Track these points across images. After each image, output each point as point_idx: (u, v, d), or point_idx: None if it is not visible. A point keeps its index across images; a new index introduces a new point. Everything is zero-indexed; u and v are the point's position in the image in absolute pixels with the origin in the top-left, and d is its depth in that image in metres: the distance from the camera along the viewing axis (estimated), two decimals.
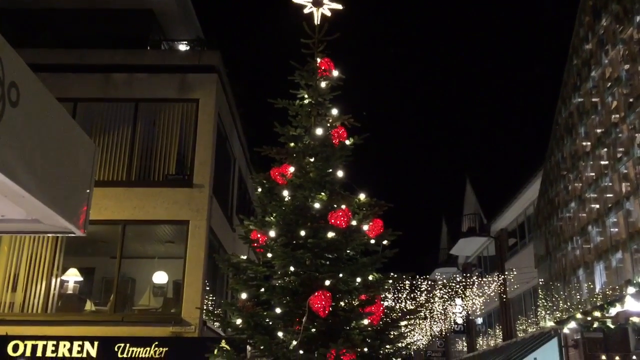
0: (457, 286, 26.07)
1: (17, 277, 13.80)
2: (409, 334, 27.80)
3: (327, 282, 7.10)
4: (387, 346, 7.76)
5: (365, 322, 7.24)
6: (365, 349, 7.26)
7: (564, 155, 17.92)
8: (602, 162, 15.03)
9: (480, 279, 25.65)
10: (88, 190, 3.09)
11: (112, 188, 14.10)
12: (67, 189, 2.90)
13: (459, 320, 32.25)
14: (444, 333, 32.76)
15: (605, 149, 14.93)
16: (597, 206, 15.25)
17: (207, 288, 14.50)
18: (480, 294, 25.86)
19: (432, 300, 26.69)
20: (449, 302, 27.50)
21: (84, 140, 3.19)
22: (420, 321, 29.51)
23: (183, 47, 17.30)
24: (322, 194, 7.77)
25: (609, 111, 14.86)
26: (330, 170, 8.07)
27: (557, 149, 18.54)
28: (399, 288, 24.72)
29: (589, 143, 16.02)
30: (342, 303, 7.62)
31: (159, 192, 14.45)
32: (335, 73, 8.42)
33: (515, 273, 23.72)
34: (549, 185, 19.19)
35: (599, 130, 15.40)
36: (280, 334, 6.99)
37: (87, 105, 14.86)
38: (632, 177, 13.44)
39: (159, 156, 14.97)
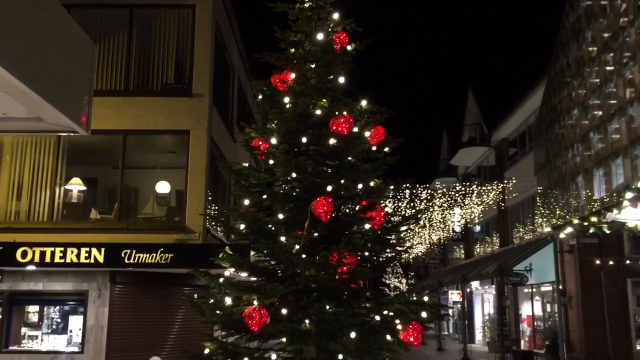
0: (456, 195, 26.36)
1: (21, 186, 13.95)
2: (408, 240, 28.43)
3: (329, 188, 7.15)
4: (388, 250, 7.92)
5: (367, 226, 7.34)
6: (366, 253, 7.41)
7: (569, 62, 17.60)
8: (608, 68, 14.78)
9: (479, 188, 25.91)
10: (88, 88, 3.04)
11: (110, 97, 13.98)
12: (67, 85, 2.84)
13: (457, 229, 32.87)
14: (442, 241, 33.45)
15: (612, 54, 14.63)
16: (600, 113, 15.13)
17: (210, 197, 14.68)
18: (479, 203, 26.20)
19: (432, 209, 27.06)
20: (448, 211, 27.89)
21: (81, 37, 3.09)
22: (419, 229, 30.06)
23: None
24: (324, 100, 7.67)
25: (617, 14, 14.43)
26: (332, 76, 7.94)
27: (563, 54, 18.17)
28: (399, 197, 25.00)
29: (595, 48, 15.67)
30: (343, 208, 7.72)
31: (159, 102, 14.34)
32: None
33: (514, 182, 23.95)
34: (553, 92, 18.98)
35: (606, 35, 15.03)
36: (283, 238, 7.10)
37: (80, 12, 14.45)
38: (637, 83, 13.25)
39: (157, 65, 14.74)
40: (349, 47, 7.98)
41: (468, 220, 29.10)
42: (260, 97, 8.10)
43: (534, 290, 22.53)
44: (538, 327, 22.30)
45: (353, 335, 6.52)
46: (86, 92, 2.96)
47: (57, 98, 2.69)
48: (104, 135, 14.27)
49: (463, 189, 26.23)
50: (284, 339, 6.75)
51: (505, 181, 25.16)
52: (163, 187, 15.11)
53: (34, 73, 2.50)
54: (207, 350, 6.92)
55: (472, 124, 31.87)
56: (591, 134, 15.62)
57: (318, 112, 7.53)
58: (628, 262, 17.57)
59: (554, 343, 19.13)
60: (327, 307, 6.61)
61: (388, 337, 6.74)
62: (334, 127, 7.32)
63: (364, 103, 7.87)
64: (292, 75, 7.75)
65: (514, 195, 24.43)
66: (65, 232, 13.36)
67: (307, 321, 6.55)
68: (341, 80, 7.99)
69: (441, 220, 28.72)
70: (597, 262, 17.46)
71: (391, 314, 6.72)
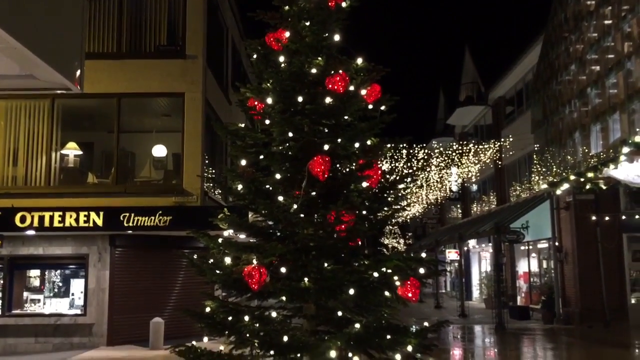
0: (454, 154, 26.35)
1: (16, 151, 13.91)
2: (406, 199, 28.53)
3: (326, 147, 7.11)
4: (385, 208, 7.93)
5: (364, 184, 7.33)
6: (364, 212, 7.42)
7: (567, 16, 17.38)
8: (606, 22, 14.60)
9: (476, 147, 25.89)
10: (80, 44, 2.98)
11: (103, 60, 13.84)
12: (58, 41, 2.79)
13: (455, 188, 32.96)
14: (439, 201, 33.56)
15: (610, 7, 14.43)
16: (598, 68, 15.02)
17: (207, 161, 14.66)
18: (476, 162, 26.22)
19: (429, 169, 27.08)
20: (445, 171, 27.92)
21: None
22: (417, 189, 30.14)
23: None
24: (319, 58, 7.56)
25: None
26: (327, 34, 7.80)
27: (560, 9, 17.92)
28: (396, 157, 25.00)
29: (593, 1, 15.45)
30: (340, 167, 7.70)
31: (152, 64, 14.20)
32: None
33: (511, 140, 23.92)
34: (550, 48, 18.79)
35: None
36: (280, 198, 7.09)
37: None
38: (635, 36, 13.11)
39: (149, 26, 14.55)
40: (343, 4, 7.82)
41: (465, 179, 29.16)
42: (254, 56, 7.98)
43: (531, 247, 22.75)
44: (534, 283, 22.60)
45: (352, 292, 6.57)
46: (78, 48, 2.91)
47: (49, 54, 2.65)
48: (98, 99, 14.19)
49: (460, 148, 26.20)
50: (283, 298, 6.82)
51: (502, 139, 25.13)
52: (159, 150, 15.08)
53: (24, 28, 2.46)
54: (208, 309, 6.99)
55: (468, 83, 31.66)
56: (588, 90, 15.53)
57: (313, 70, 7.43)
58: (624, 217, 17.70)
59: (550, 298, 19.41)
60: (326, 264, 6.65)
61: (386, 293, 6.80)
62: (330, 86, 7.24)
63: (359, 61, 7.75)
64: (287, 34, 7.62)
65: (511, 153, 24.44)
66: (63, 197, 13.39)
67: (306, 279, 6.59)
68: (336, 38, 7.84)
69: (438, 180, 28.77)
70: (593, 218, 17.59)
71: (389, 270, 6.75)
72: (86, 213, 12.86)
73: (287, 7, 7.88)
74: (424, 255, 7.42)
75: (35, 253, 13.72)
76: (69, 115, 14.46)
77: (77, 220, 12.78)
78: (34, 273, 14.50)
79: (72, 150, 14.24)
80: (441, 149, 26.83)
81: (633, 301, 17.75)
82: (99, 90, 13.56)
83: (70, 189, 13.78)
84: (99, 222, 12.84)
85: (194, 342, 6.99)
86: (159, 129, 15.97)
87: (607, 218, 17.57)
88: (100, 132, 15.51)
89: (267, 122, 7.61)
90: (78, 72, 2.94)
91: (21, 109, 14.06)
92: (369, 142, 7.73)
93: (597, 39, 15.06)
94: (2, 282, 13.84)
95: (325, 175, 6.86)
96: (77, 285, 14.16)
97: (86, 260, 13.74)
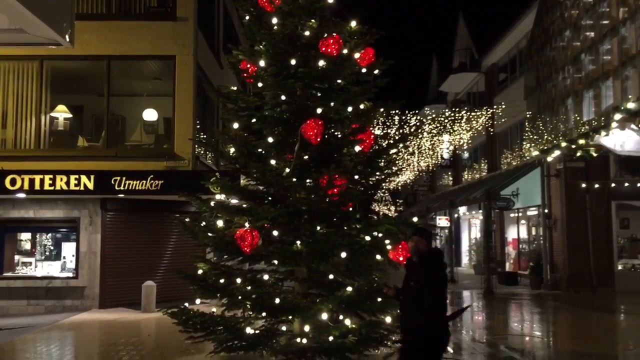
0: (446, 121, 26.27)
1: (5, 114, 13.75)
2: (397, 165, 28.52)
3: (319, 110, 7.06)
4: (377, 173, 7.92)
5: (357, 149, 7.31)
6: (356, 176, 7.41)
7: None
8: None
9: (468, 114, 25.82)
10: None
11: (92, 22, 13.60)
12: None
13: (446, 155, 32.95)
14: (430, 168, 33.56)
15: None
16: (592, 34, 14.92)
17: (198, 126, 14.56)
18: (468, 129, 26.18)
19: (421, 136, 27.01)
20: (437, 138, 27.86)
21: None
22: (408, 156, 30.11)
23: None
24: (312, 21, 7.45)
25: None
26: None
27: None
28: (388, 124, 24.92)
29: None
30: (333, 131, 7.67)
31: (142, 26, 13.98)
32: None
33: (503, 107, 23.87)
34: (545, 13, 18.61)
35: None
36: (273, 162, 7.06)
37: None
38: (631, 1, 12.99)
39: None
40: None
41: (457, 146, 29.16)
42: (247, 18, 7.85)
43: (520, 214, 22.93)
44: (523, 250, 22.84)
45: (343, 255, 6.61)
46: (68, 2, 2.83)
47: (39, 7, 2.57)
48: (87, 61, 14.01)
49: (452, 115, 26.12)
50: (275, 261, 6.84)
51: (495, 107, 25.08)
52: (150, 114, 14.96)
53: None
54: (200, 272, 7.02)
55: (462, 49, 31.40)
56: (582, 56, 15.45)
57: (307, 33, 7.33)
58: (613, 185, 17.83)
59: (538, 264, 19.65)
60: (318, 228, 6.66)
61: (378, 256, 6.85)
62: (323, 49, 7.16)
63: (353, 24, 7.64)
64: None
65: (503, 120, 24.42)
66: (53, 160, 13.30)
67: (298, 242, 6.62)
68: (330, 0, 7.74)
69: (430, 147, 28.72)
70: (583, 185, 17.71)
71: (381, 234, 6.80)
72: (77, 176, 12.78)
73: None
74: (415, 219, 7.44)
75: (26, 216, 13.68)
76: (58, 78, 14.26)
77: (67, 183, 12.72)
78: (25, 236, 14.49)
79: (61, 113, 14.09)
80: (433, 115, 26.74)
81: (620, 267, 18.01)
82: (89, 52, 13.36)
83: (60, 152, 13.68)
84: (90, 186, 12.78)
85: (186, 304, 7.04)
86: (150, 92, 15.81)
87: (596, 186, 17.69)
88: (90, 95, 15.32)
89: (260, 85, 7.54)
90: (68, 27, 2.86)
91: (9, 71, 13.85)
92: (361, 106, 7.68)
93: (592, 4, 14.93)
94: None
95: (318, 139, 6.83)
96: (68, 249, 14.16)
97: (77, 224, 13.72)
